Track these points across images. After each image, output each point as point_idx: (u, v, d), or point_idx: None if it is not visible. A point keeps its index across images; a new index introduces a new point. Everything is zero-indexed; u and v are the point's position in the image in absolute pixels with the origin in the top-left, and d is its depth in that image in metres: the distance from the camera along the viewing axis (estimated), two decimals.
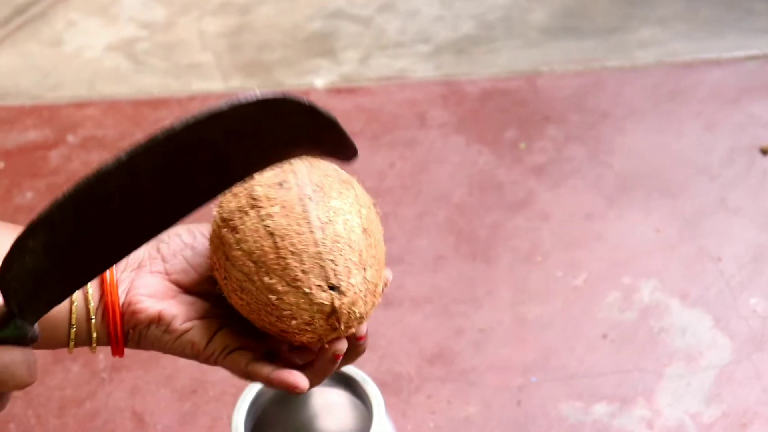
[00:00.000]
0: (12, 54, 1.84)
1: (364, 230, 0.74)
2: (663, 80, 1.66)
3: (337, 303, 0.72)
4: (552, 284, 1.33)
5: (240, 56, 1.80)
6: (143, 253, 0.78)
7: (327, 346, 0.75)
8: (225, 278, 0.75)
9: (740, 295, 1.30)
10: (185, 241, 0.79)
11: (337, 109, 1.64)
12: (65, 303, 0.75)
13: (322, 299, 0.72)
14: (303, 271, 0.72)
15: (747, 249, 1.36)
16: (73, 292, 0.66)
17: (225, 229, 0.75)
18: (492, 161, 1.53)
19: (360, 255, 0.73)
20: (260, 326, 0.75)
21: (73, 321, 0.75)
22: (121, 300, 0.76)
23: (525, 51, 1.75)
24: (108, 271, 0.75)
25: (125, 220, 0.63)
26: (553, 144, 1.55)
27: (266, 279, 0.72)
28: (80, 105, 1.70)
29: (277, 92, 0.61)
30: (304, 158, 0.76)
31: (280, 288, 0.72)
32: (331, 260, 0.72)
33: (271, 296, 0.73)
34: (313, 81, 1.73)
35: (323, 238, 0.72)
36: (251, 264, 0.73)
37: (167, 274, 0.77)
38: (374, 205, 0.79)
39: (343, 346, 0.75)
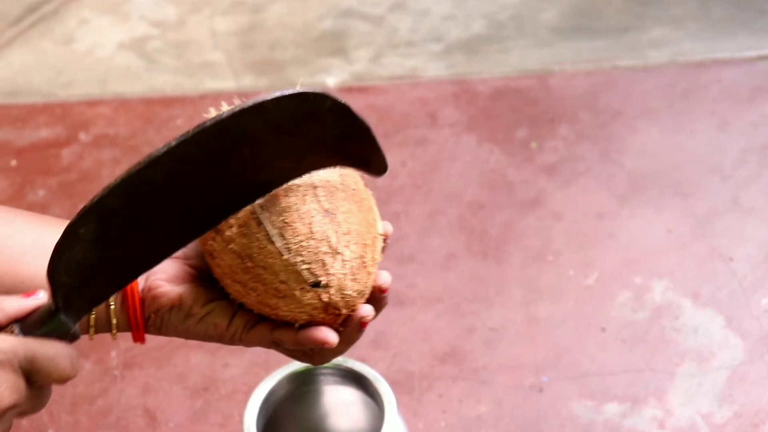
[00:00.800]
0: (25, 52, 1.84)
1: (326, 212, 0.72)
2: (675, 80, 1.65)
3: (325, 297, 0.72)
4: (563, 283, 1.33)
5: (251, 55, 1.80)
6: None
7: (353, 313, 0.74)
8: (229, 294, 0.76)
9: (753, 295, 1.30)
10: None
11: None
12: None
13: (311, 299, 0.72)
14: (281, 282, 0.72)
15: (759, 249, 1.36)
16: (117, 290, 0.67)
17: (207, 255, 0.75)
18: (503, 160, 1.53)
19: (328, 241, 0.71)
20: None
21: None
22: (141, 286, 0.76)
23: (536, 50, 1.75)
24: None
25: (171, 213, 0.64)
26: (564, 143, 1.55)
27: (255, 295, 0.73)
28: (92, 103, 1.70)
29: (317, 87, 0.63)
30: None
31: (269, 301, 0.73)
32: (302, 261, 0.71)
33: (267, 308, 0.73)
34: (325, 80, 1.73)
35: (285, 244, 0.71)
36: (238, 285, 0.73)
37: (185, 258, 0.78)
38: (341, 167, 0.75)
39: (368, 312, 0.74)
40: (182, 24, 1.89)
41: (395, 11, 1.87)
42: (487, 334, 1.28)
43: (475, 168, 1.51)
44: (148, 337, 0.78)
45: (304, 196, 0.72)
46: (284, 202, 0.72)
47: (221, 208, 0.67)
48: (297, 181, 0.72)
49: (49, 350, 0.64)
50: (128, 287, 0.75)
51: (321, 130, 0.67)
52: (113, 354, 1.27)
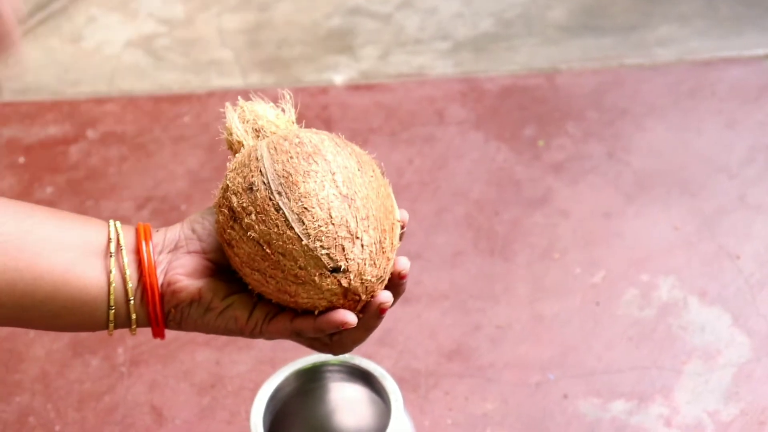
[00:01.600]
0: (33, 49, 1.85)
1: (344, 197, 0.72)
2: (682, 78, 1.65)
3: (345, 282, 0.72)
4: (570, 281, 1.33)
5: (259, 53, 1.80)
6: (179, 234, 0.78)
7: (372, 299, 0.74)
8: (248, 284, 0.76)
9: (759, 293, 1.30)
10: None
11: (355, 105, 1.65)
12: (103, 284, 0.75)
13: (330, 285, 0.72)
14: (300, 268, 0.72)
15: (766, 247, 1.36)
16: None
17: (225, 245, 0.75)
18: (510, 158, 1.53)
19: (347, 226, 0.72)
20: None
21: (112, 302, 0.75)
22: (160, 281, 0.76)
23: (544, 48, 1.75)
24: (146, 252, 0.76)
25: None
26: (571, 141, 1.55)
27: (274, 283, 0.73)
28: (100, 100, 1.71)
29: None
30: (269, 137, 0.76)
31: (289, 288, 0.73)
32: (321, 246, 0.71)
33: (286, 296, 0.74)
34: (332, 77, 1.73)
35: (305, 230, 0.71)
36: (257, 273, 0.74)
37: (204, 253, 0.78)
38: (358, 154, 0.76)
39: (387, 298, 0.75)
40: (190, 22, 1.89)
41: (403, 9, 1.87)
42: (494, 331, 1.28)
43: (482, 166, 1.52)
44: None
45: (322, 181, 0.72)
46: (303, 188, 0.72)
47: None
48: (315, 167, 0.73)
49: None
50: (148, 282, 0.75)
51: None
52: (120, 351, 1.27)
